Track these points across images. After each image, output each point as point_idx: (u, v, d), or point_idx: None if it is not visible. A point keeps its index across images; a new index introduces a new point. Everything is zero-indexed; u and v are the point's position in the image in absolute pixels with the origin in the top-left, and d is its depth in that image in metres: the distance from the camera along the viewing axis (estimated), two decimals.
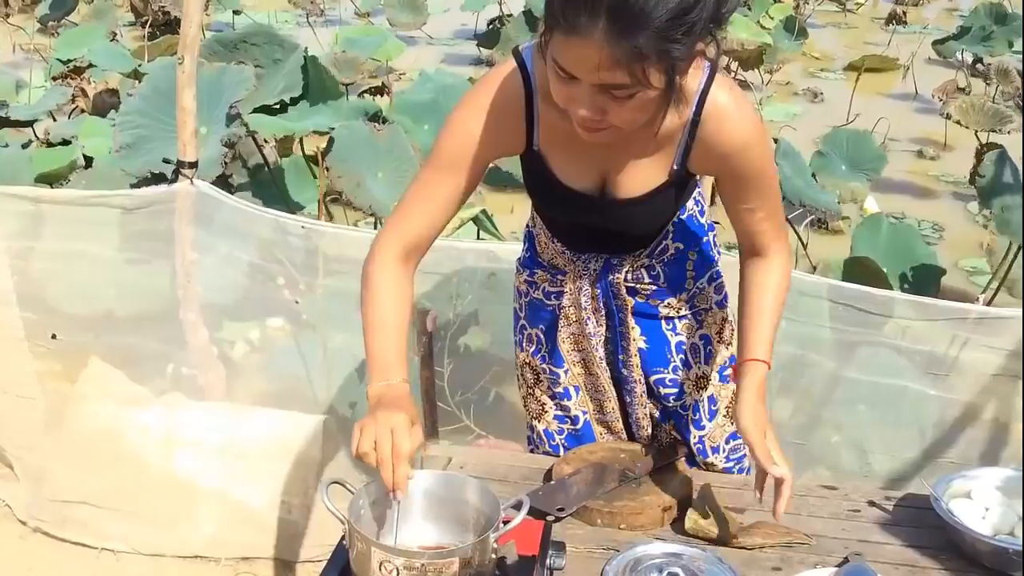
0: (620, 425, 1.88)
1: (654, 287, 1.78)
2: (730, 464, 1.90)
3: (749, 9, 8.19)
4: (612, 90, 1.34)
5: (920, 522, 1.65)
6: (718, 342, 1.85)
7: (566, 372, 1.86)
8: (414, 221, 1.62)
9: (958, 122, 5.31)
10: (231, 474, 2.47)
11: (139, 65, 5.04)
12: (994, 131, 5.19)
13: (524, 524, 1.45)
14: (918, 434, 2.43)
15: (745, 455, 1.92)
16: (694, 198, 1.79)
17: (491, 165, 5.36)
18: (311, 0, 9.53)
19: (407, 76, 7.80)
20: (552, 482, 1.75)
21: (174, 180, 2.45)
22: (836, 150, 4.62)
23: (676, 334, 1.83)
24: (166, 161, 2.46)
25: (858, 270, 3.21)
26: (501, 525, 1.31)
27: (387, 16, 9.41)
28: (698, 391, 1.85)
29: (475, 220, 3.84)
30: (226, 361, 2.92)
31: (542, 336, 1.87)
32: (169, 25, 7.92)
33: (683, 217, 1.77)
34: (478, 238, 4.35)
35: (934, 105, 6.86)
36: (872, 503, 1.73)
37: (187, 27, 2.26)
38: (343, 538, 1.33)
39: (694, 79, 1.50)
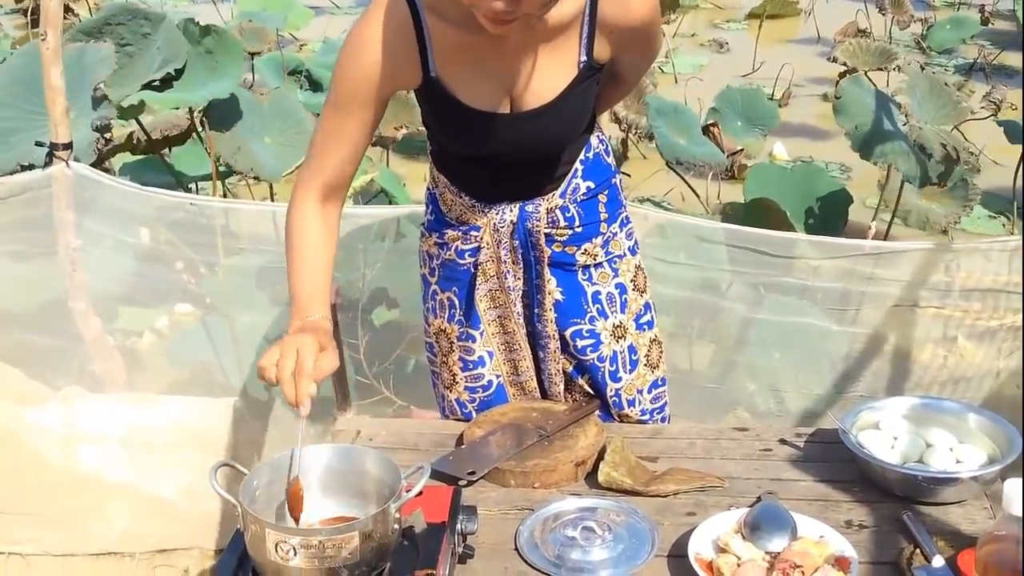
0: (534, 384, 1.85)
1: (569, 231, 1.74)
2: (645, 417, 1.88)
3: None
4: None
5: (831, 456, 1.66)
6: (633, 289, 1.83)
7: (481, 334, 1.81)
8: (325, 163, 1.61)
9: (844, 64, 5.40)
10: (138, 466, 2.37)
11: (12, 52, 4.79)
12: (881, 69, 5.28)
13: (434, 491, 1.41)
14: (827, 370, 2.47)
15: (664, 407, 1.91)
16: (598, 136, 1.77)
17: (405, 133, 5.24)
18: None
19: (309, 47, 7.64)
20: (463, 446, 1.71)
21: (48, 164, 2.32)
22: (731, 106, 4.66)
23: (592, 283, 1.79)
24: (39, 144, 2.32)
25: (759, 212, 3.24)
26: (403, 494, 1.26)
27: None
28: (616, 341, 1.81)
29: (384, 192, 3.77)
30: (133, 352, 2.81)
31: (455, 299, 1.81)
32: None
33: (589, 155, 1.74)
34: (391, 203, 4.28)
35: (833, 48, 6.95)
36: (783, 441, 1.73)
37: (47, 2, 2.13)
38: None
39: None
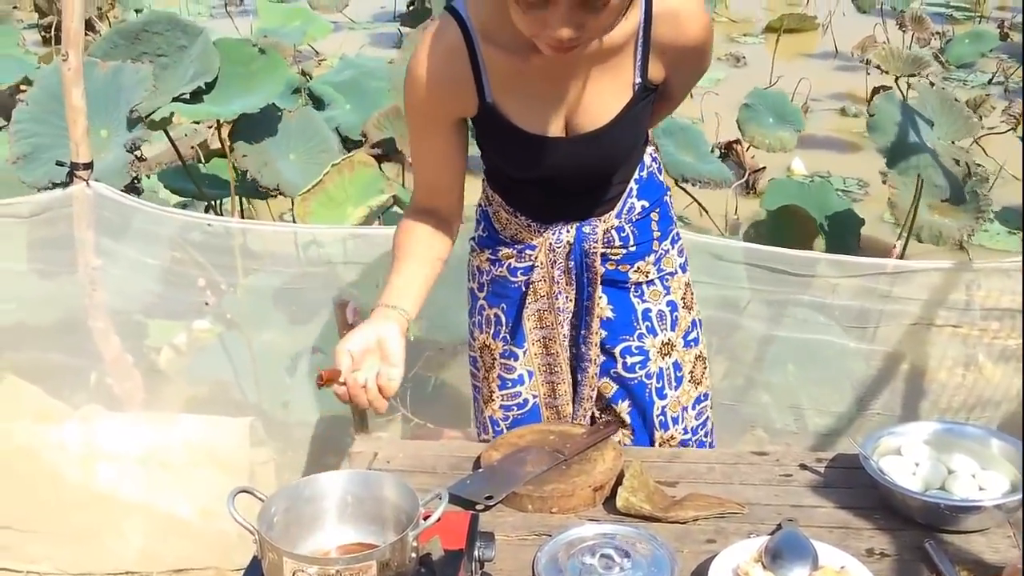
0: (570, 408, 1.84)
1: (624, 251, 1.74)
2: (687, 436, 1.87)
3: None
4: (591, 2, 1.33)
5: (852, 482, 1.64)
6: (683, 307, 1.82)
7: (524, 353, 1.81)
8: (419, 182, 1.70)
9: (878, 67, 5.38)
10: (156, 485, 2.39)
11: (38, 68, 4.85)
12: (914, 75, 5.26)
13: (451, 517, 1.40)
14: (846, 389, 2.46)
15: (707, 423, 1.89)
16: (651, 155, 1.77)
17: None
18: None
19: (327, 62, 7.68)
20: (480, 470, 1.70)
21: (69, 183, 2.34)
22: (763, 103, 4.67)
23: (643, 301, 1.79)
24: (59, 164, 2.34)
25: (785, 220, 3.23)
26: (421, 521, 1.26)
27: (308, 1, 9.25)
28: (663, 358, 1.81)
29: (398, 203, 3.78)
30: (152, 368, 2.83)
31: (502, 316, 1.81)
32: None
33: (643, 174, 1.74)
34: None
35: (854, 62, 6.94)
36: (804, 466, 1.71)
37: (68, 22, 2.15)
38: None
39: None
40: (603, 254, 1.73)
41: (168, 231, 2.45)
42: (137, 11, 8.91)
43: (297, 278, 2.67)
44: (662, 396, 1.83)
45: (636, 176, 1.73)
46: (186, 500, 2.39)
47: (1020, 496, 1.50)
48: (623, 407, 1.84)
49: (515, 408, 1.85)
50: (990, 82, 7.34)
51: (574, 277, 1.74)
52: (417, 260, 1.65)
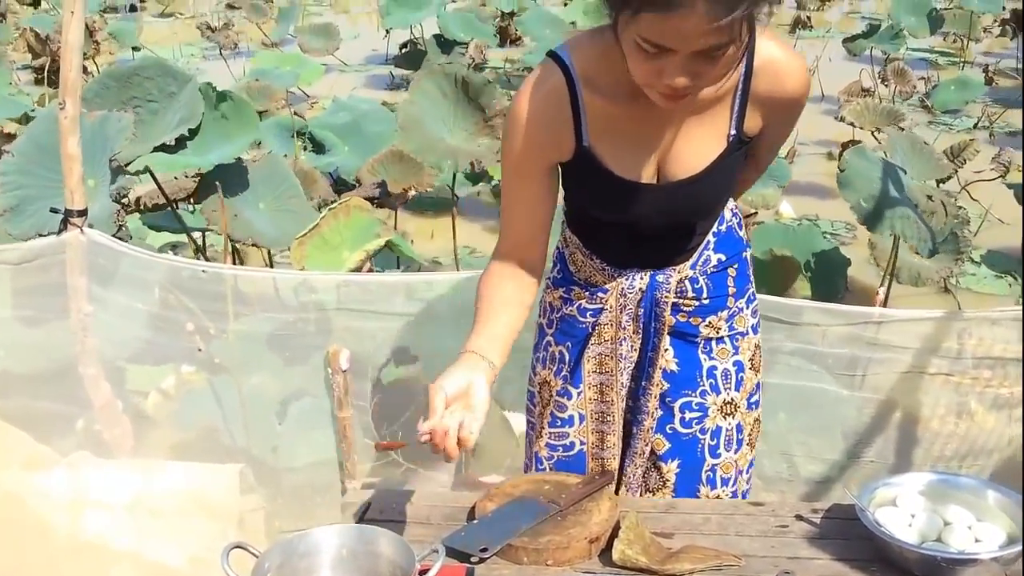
0: (615, 464, 1.83)
1: (696, 303, 1.73)
2: (736, 499, 1.85)
3: None
4: (711, 52, 1.33)
5: (848, 534, 1.63)
6: (749, 368, 1.81)
7: (579, 394, 1.81)
8: (508, 231, 1.69)
9: (852, 124, 5.47)
10: (144, 533, 2.35)
11: (33, 110, 4.87)
12: (877, 129, 5.35)
13: (445, 571, 1.39)
14: (838, 436, 2.47)
15: (750, 485, 1.88)
16: (731, 209, 1.77)
17: (412, 193, 5.29)
18: (227, 32, 9.37)
19: (319, 104, 7.73)
20: (475, 521, 1.69)
21: (63, 230, 2.34)
22: None
23: (711, 358, 1.78)
24: (54, 211, 2.34)
25: (774, 266, 3.25)
26: None
27: (299, 43, 9.33)
28: (723, 417, 1.80)
29: (391, 247, 3.79)
30: (139, 413, 2.81)
31: (566, 354, 1.81)
32: None
33: (722, 228, 1.74)
34: (397, 265, 4.29)
35: (839, 106, 7.02)
36: (800, 517, 1.70)
37: (67, 71, 2.16)
38: None
39: None
40: (674, 304, 1.73)
41: (159, 276, 2.45)
42: (135, 49, 8.98)
43: (288, 324, 2.67)
44: (715, 455, 1.82)
45: (715, 229, 1.73)
46: (175, 548, 2.36)
47: (1018, 548, 1.49)
48: (671, 467, 1.82)
49: (561, 449, 1.85)
50: (975, 127, 7.43)
51: (642, 325, 1.74)
52: (506, 309, 1.65)
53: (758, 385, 1.85)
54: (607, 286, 1.74)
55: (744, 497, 1.87)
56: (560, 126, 1.58)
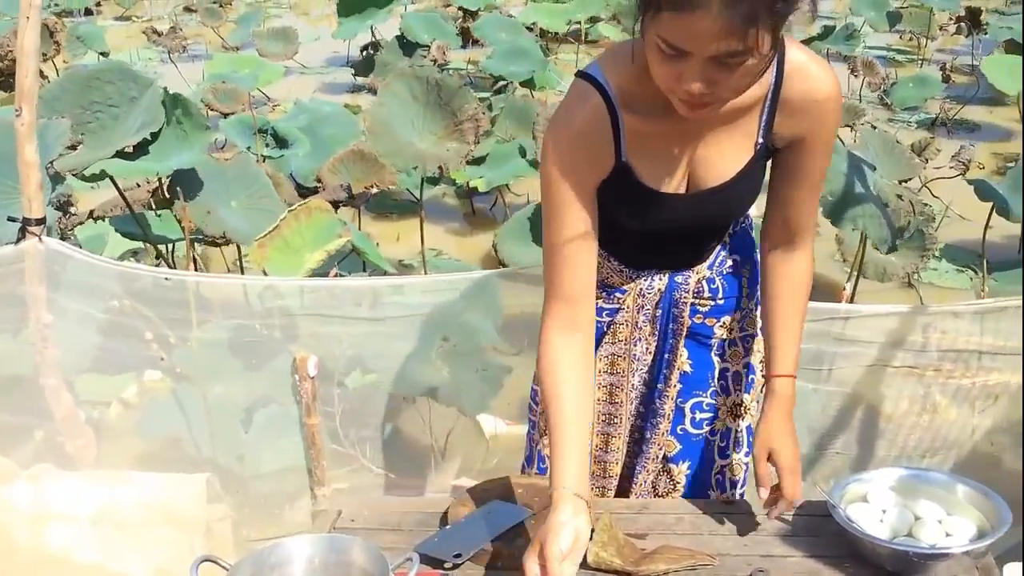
0: (618, 468, 1.82)
1: (712, 303, 1.73)
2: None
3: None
4: (726, 59, 1.32)
5: (821, 530, 1.63)
6: (760, 371, 1.80)
7: None
8: (564, 282, 1.58)
9: None
10: (110, 545, 2.31)
11: None
12: (848, 126, 5.40)
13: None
14: (804, 430, 2.47)
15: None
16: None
17: (374, 191, 5.23)
18: (174, 36, 9.25)
19: (281, 107, 7.66)
20: (448, 526, 1.67)
21: (20, 239, 2.29)
22: None
23: (723, 360, 1.78)
24: (11, 219, 2.29)
25: None
26: None
27: (257, 47, 9.25)
28: (733, 419, 1.80)
29: (356, 251, 3.76)
30: (101, 424, 2.76)
31: None
32: None
33: (737, 229, 1.74)
34: (364, 269, 4.26)
35: None
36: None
37: (22, 77, 2.11)
38: None
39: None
40: (692, 304, 1.73)
41: (119, 285, 2.40)
42: (103, 55, 8.84)
43: (251, 329, 2.63)
44: (724, 456, 1.81)
45: (730, 231, 1.73)
46: (141, 560, 2.32)
47: (988, 542, 1.50)
48: (682, 468, 1.81)
49: None
50: (934, 124, 7.53)
51: (659, 327, 1.74)
52: (584, 416, 1.56)
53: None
54: (625, 287, 1.73)
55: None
56: (603, 145, 1.56)
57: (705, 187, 1.61)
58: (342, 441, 2.75)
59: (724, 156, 1.59)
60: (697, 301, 1.74)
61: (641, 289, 1.72)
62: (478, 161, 5.33)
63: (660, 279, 1.72)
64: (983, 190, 4.32)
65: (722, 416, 1.81)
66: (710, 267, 1.73)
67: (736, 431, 1.82)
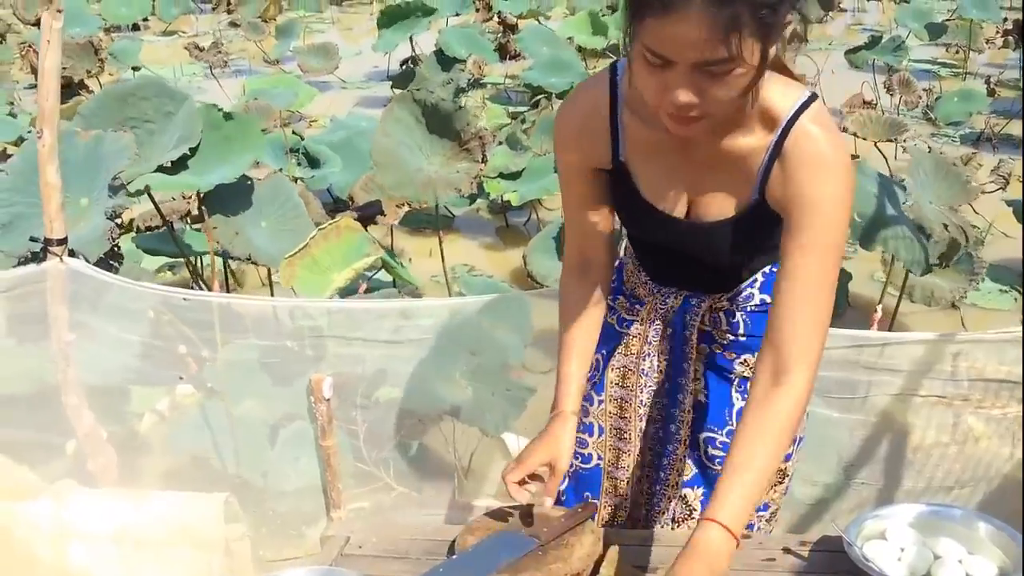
0: (626, 487, 1.80)
1: (731, 337, 1.70)
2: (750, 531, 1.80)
3: None
4: (710, 67, 1.31)
5: (836, 567, 1.59)
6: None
7: (600, 404, 1.80)
8: (572, 237, 1.75)
9: (855, 135, 5.43)
10: (130, 564, 2.31)
11: (29, 131, 4.87)
12: (891, 140, 5.30)
13: None
14: (832, 458, 2.42)
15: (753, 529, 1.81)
16: None
17: (407, 209, 5.26)
18: (216, 52, 9.38)
19: (319, 123, 7.73)
20: (454, 557, 1.65)
21: (43, 259, 2.32)
22: None
23: (744, 399, 1.73)
24: (33, 240, 2.32)
25: None
26: None
27: (298, 62, 9.35)
28: None
29: (386, 267, 3.76)
30: (131, 438, 2.78)
31: (600, 361, 1.81)
32: (70, 87, 7.72)
33: (775, 269, 1.67)
34: (394, 285, 4.27)
35: (842, 119, 6.98)
36: (787, 550, 1.67)
37: (43, 100, 2.14)
38: None
39: (788, 99, 1.47)
40: (708, 333, 1.71)
41: (145, 304, 2.42)
42: (135, 69, 8.99)
43: (278, 349, 2.64)
44: None
45: (766, 270, 1.69)
46: None
47: None
48: (696, 494, 1.78)
49: (579, 459, 1.84)
50: (979, 139, 7.39)
51: (669, 347, 1.73)
52: (587, 344, 1.73)
53: (792, 440, 1.74)
54: (646, 299, 1.75)
55: (754, 527, 1.80)
56: (599, 133, 1.59)
57: (701, 219, 1.59)
58: (365, 459, 2.74)
59: (720, 196, 1.56)
60: (714, 331, 1.71)
61: (656, 304, 1.73)
62: (514, 176, 5.32)
63: (675, 298, 1.71)
64: (1020, 210, 4.21)
65: None
66: (732, 300, 1.70)
67: None
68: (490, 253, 5.69)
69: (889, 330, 2.95)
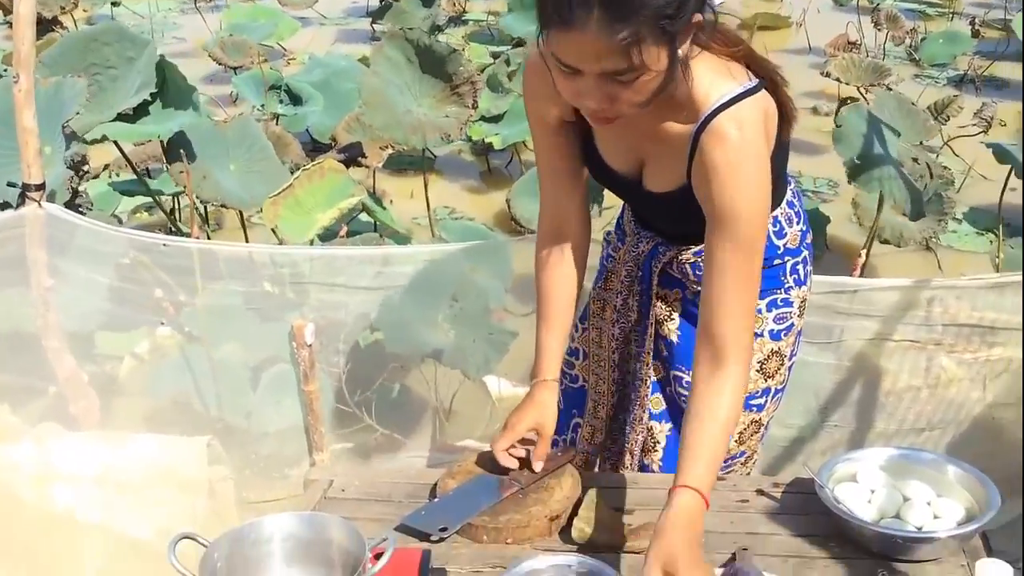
0: (603, 413, 1.86)
1: (698, 288, 1.68)
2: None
3: None
4: (616, 76, 1.32)
5: (808, 509, 1.63)
6: (757, 371, 1.76)
7: (584, 331, 1.87)
8: (547, 204, 1.75)
9: (838, 79, 5.40)
10: (113, 506, 2.34)
11: (4, 70, 4.77)
12: (874, 85, 5.28)
13: (401, 553, 1.39)
14: (808, 400, 2.46)
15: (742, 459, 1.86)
16: (774, 216, 1.69)
17: (391, 151, 5.19)
18: None
19: (297, 60, 7.61)
20: (435, 499, 1.68)
21: (21, 204, 2.30)
22: None
23: None
24: (11, 185, 2.30)
25: None
26: (368, 566, 1.24)
27: None
28: None
29: (367, 210, 3.75)
30: (111, 381, 2.78)
31: (589, 290, 1.88)
32: (42, 24, 7.55)
33: None
34: (375, 228, 4.26)
35: (826, 62, 6.94)
36: (760, 491, 1.70)
37: (19, 44, 2.11)
38: None
39: (714, 92, 1.44)
40: (679, 281, 1.75)
41: (122, 249, 2.41)
42: (114, 4, 8.80)
43: (259, 295, 2.65)
44: None
45: None
46: (144, 521, 2.35)
47: (975, 526, 1.50)
48: (663, 428, 1.82)
49: (568, 379, 1.91)
50: (962, 80, 7.37)
51: (638, 288, 1.77)
52: (565, 311, 1.75)
53: (766, 391, 1.79)
54: (627, 239, 1.79)
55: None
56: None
57: (649, 187, 1.63)
58: (347, 401, 2.77)
59: (667, 168, 1.58)
60: (685, 280, 1.74)
61: (630, 246, 1.78)
62: (496, 119, 5.27)
63: (647, 243, 1.75)
64: (1001, 153, 4.22)
65: None
66: (697, 254, 1.71)
67: None
68: (472, 196, 5.67)
69: (861, 273, 2.97)
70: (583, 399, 1.90)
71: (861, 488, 1.61)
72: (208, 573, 1.22)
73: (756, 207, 1.46)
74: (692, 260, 1.72)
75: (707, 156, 1.45)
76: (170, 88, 3.29)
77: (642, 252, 1.76)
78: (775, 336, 1.77)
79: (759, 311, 1.74)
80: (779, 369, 1.79)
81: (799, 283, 1.78)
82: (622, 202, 1.86)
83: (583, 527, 1.57)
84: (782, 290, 1.76)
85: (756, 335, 1.76)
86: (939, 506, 1.57)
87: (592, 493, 1.63)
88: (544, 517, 1.61)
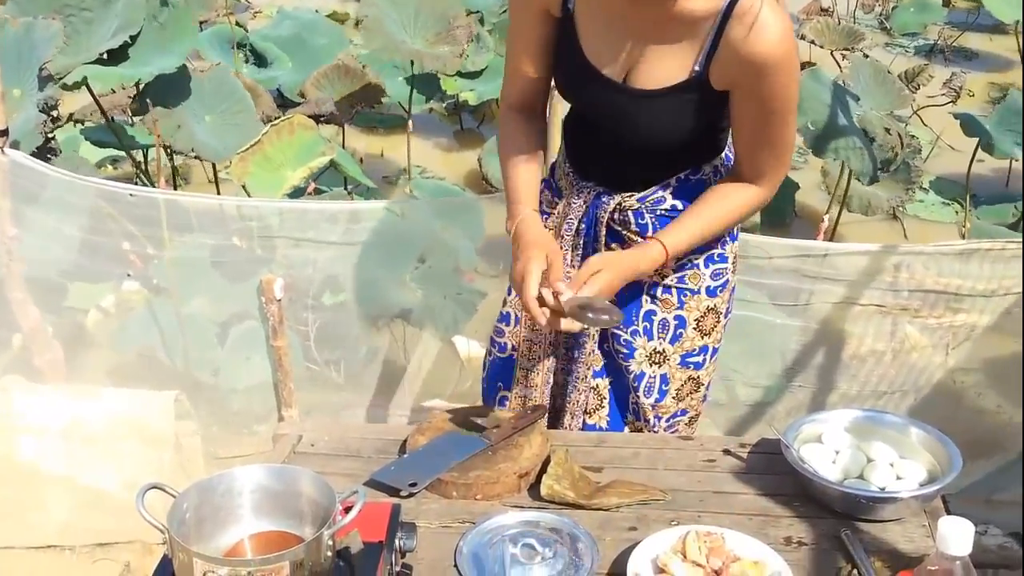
0: (539, 379, 1.84)
1: (640, 238, 1.71)
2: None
3: None
4: None
5: (773, 468, 1.65)
6: (694, 328, 1.78)
7: (516, 295, 1.81)
8: (509, 77, 1.77)
9: (813, 42, 5.40)
10: (79, 458, 2.33)
11: None
12: (848, 49, 5.29)
13: (371, 507, 1.39)
14: (775, 362, 2.49)
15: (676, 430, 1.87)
16: (717, 168, 1.72)
17: (361, 108, 5.17)
18: None
19: (264, 14, 7.48)
20: (405, 455, 1.69)
21: None
22: None
23: (652, 302, 1.77)
24: None
25: None
26: (338, 518, 1.24)
27: None
28: (649, 365, 1.80)
29: (336, 167, 3.71)
30: (79, 331, 2.75)
31: None
32: None
33: (692, 178, 1.71)
34: (345, 186, 4.22)
35: (800, 25, 6.94)
36: (727, 451, 1.72)
37: None
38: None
39: None
40: (615, 232, 1.73)
41: (88, 199, 2.37)
42: None
43: (227, 249, 2.62)
44: (636, 392, 1.82)
45: (682, 175, 1.71)
46: (110, 473, 2.35)
47: (936, 487, 1.53)
48: (605, 383, 1.83)
49: (496, 348, 1.90)
50: (931, 50, 7.40)
51: (580, 242, 1.75)
52: (532, 156, 1.76)
53: (704, 348, 1.81)
54: (564, 194, 1.78)
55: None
56: None
57: (636, 86, 1.61)
58: (316, 360, 2.76)
59: (664, 63, 1.58)
60: (623, 230, 1.73)
61: (570, 199, 1.76)
62: (473, 75, 5.23)
63: (588, 194, 1.74)
64: (969, 124, 4.26)
65: (639, 359, 1.80)
66: (641, 200, 1.71)
67: (649, 376, 1.81)
68: (444, 154, 5.63)
69: (830, 240, 3.01)
70: (510, 369, 1.87)
71: (826, 449, 1.63)
72: (177, 523, 1.21)
73: (795, 89, 1.57)
74: (635, 207, 1.71)
75: (744, 43, 1.50)
76: (167, 27, 3.21)
77: (583, 204, 1.74)
78: (711, 292, 1.79)
79: (694, 266, 1.77)
80: (715, 327, 1.81)
81: (732, 238, 1.80)
82: (553, 160, 1.86)
83: (552, 484, 1.58)
84: (718, 244, 1.77)
85: (691, 291, 1.78)
86: (902, 467, 1.59)
87: (561, 451, 1.65)
88: (513, 474, 1.61)
